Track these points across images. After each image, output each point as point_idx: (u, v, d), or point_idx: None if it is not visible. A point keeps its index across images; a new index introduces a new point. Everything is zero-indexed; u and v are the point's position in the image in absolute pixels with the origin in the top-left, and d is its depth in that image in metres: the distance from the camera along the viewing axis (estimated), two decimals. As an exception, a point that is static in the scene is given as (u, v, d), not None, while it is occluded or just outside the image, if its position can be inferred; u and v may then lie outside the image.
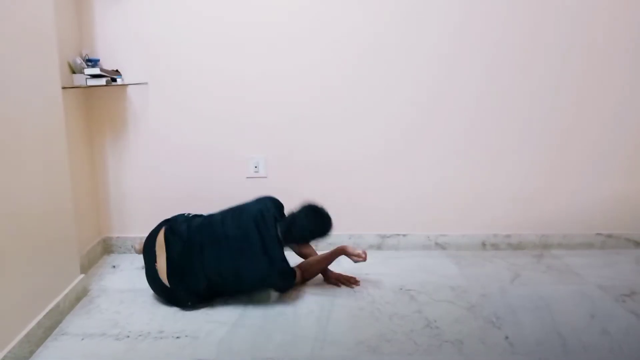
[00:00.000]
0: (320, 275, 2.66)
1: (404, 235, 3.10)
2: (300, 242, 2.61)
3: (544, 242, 3.13)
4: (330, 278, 2.65)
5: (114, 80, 2.66)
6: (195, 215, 2.55)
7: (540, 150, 3.00)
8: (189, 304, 2.34)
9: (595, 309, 2.38)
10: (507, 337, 2.12)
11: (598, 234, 3.14)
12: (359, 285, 2.62)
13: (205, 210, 2.96)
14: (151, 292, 2.50)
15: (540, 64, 2.86)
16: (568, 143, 2.99)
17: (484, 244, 3.13)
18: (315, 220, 2.44)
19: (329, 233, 2.46)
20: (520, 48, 2.84)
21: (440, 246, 3.13)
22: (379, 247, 3.11)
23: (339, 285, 2.62)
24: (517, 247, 3.13)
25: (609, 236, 3.14)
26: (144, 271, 2.74)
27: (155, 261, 2.36)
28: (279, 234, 2.40)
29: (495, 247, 3.13)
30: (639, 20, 2.82)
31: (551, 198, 3.07)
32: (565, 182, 3.05)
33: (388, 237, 3.11)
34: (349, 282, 2.63)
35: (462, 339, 2.10)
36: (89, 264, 2.80)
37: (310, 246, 2.71)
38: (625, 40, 2.84)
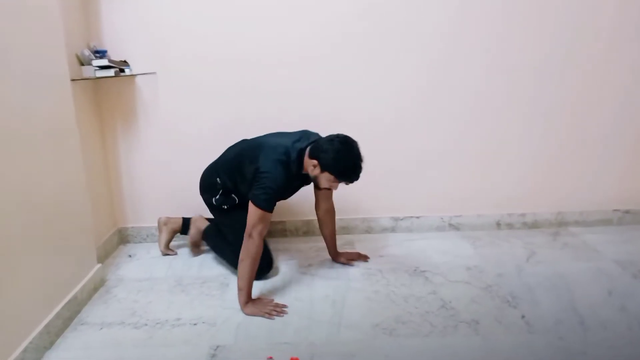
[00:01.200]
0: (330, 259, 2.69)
1: (418, 217, 3.09)
2: (319, 162, 2.19)
3: (559, 220, 3.10)
4: (339, 258, 2.67)
5: (123, 70, 2.66)
6: None
7: (555, 127, 2.95)
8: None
9: (613, 285, 2.36)
10: (523, 316, 2.11)
11: (615, 210, 3.10)
12: (369, 259, 2.66)
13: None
14: (168, 280, 2.52)
15: (553, 36, 2.81)
16: (582, 119, 2.94)
17: (498, 224, 3.10)
18: (339, 146, 2.15)
19: (354, 169, 2.15)
20: (530, 20, 2.78)
21: (455, 227, 3.11)
22: (392, 230, 3.10)
23: (351, 264, 2.63)
24: (533, 225, 3.11)
25: (627, 212, 3.10)
26: (159, 260, 2.78)
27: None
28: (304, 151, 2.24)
29: (510, 226, 3.11)
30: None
31: (566, 175, 3.03)
32: (581, 159, 3.00)
33: (401, 219, 3.09)
34: (360, 258, 2.66)
35: (478, 319, 2.10)
36: (105, 255, 2.83)
37: (332, 210, 2.58)
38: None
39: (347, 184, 2.21)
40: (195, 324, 2.13)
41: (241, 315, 2.18)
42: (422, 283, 2.43)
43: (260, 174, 2.19)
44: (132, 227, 3.06)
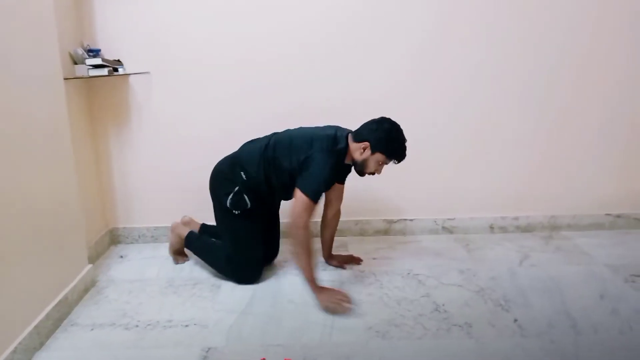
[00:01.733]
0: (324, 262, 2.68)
1: (411, 220, 3.09)
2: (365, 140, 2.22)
3: (552, 224, 3.11)
4: (332, 261, 2.66)
5: (116, 70, 2.64)
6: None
7: (547, 131, 2.96)
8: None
9: (605, 289, 2.37)
10: (516, 320, 2.11)
11: (607, 214, 3.11)
12: (362, 262, 2.67)
13: (209, 200, 2.96)
14: (159, 281, 2.51)
15: (543, 41, 2.82)
16: (575, 123, 2.95)
17: (492, 227, 3.11)
18: (389, 126, 2.23)
19: (404, 147, 2.24)
20: (522, 22, 2.80)
21: (448, 230, 3.11)
22: (385, 233, 3.10)
23: (344, 268, 2.62)
24: (526, 229, 3.12)
25: (618, 216, 3.11)
26: (150, 261, 2.76)
27: None
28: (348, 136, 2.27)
29: (503, 229, 3.11)
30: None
31: (559, 179, 3.04)
32: (573, 163, 3.02)
33: (395, 222, 3.09)
34: (353, 261, 2.66)
35: (471, 322, 2.10)
36: (96, 255, 2.80)
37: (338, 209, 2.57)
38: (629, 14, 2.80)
39: (396, 162, 2.27)
40: (186, 326, 2.11)
41: (233, 317, 2.17)
42: (415, 286, 2.43)
43: (310, 162, 2.18)
44: (124, 228, 3.04)
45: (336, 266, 2.64)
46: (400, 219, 3.09)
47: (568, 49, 2.83)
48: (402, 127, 2.26)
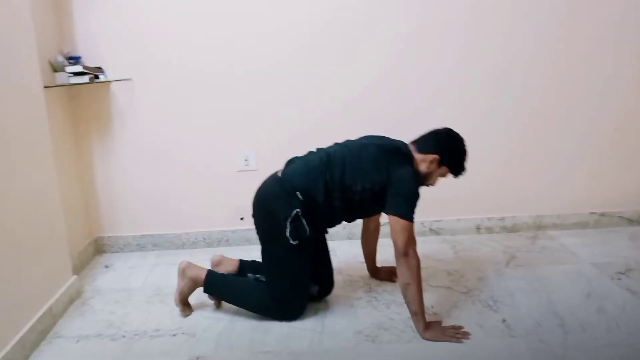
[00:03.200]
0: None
1: (398, 222, 3.09)
2: (431, 151, 2.11)
3: (538, 223, 3.14)
4: (380, 274, 2.53)
5: (97, 77, 2.61)
6: None
7: (532, 132, 2.99)
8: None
9: (592, 287, 2.39)
10: (504, 320, 2.12)
11: (592, 212, 3.14)
12: None
13: (196, 207, 2.95)
14: (146, 291, 2.47)
15: (531, 42, 2.85)
16: (559, 123, 2.98)
17: (478, 228, 3.12)
18: (456, 138, 2.15)
19: (466, 161, 2.16)
20: (501, 26, 2.83)
21: (435, 232, 3.12)
22: (373, 235, 3.09)
23: (394, 280, 2.45)
24: (512, 229, 3.13)
25: (603, 215, 3.15)
26: (136, 270, 2.73)
27: None
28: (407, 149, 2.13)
29: (489, 230, 3.13)
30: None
31: (544, 179, 3.07)
32: (557, 163, 3.04)
33: (382, 225, 3.07)
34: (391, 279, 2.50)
35: (460, 323, 2.09)
36: (81, 265, 2.76)
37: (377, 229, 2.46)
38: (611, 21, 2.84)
39: (456, 176, 2.18)
40: (174, 335, 2.09)
41: (221, 324, 2.15)
42: (403, 288, 2.43)
43: (396, 181, 2.02)
44: (109, 237, 3.00)
45: (384, 279, 2.51)
46: (387, 222, 3.07)
47: (555, 50, 2.87)
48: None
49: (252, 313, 2.20)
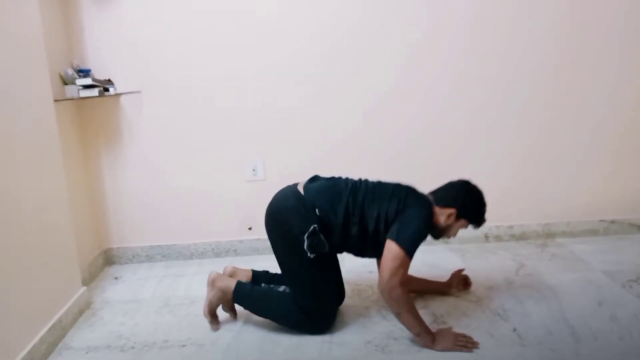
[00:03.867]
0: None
1: (406, 231, 3.08)
2: (447, 205, 2.10)
3: (547, 231, 3.11)
4: (451, 289, 2.43)
5: (107, 90, 2.64)
6: None
7: (539, 139, 2.97)
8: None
9: (603, 295, 2.36)
10: (515, 329, 2.10)
11: (601, 220, 3.11)
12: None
13: (204, 218, 2.95)
14: (155, 302, 2.48)
15: (536, 49, 2.85)
16: (567, 130, 2.97)
17: (486, 236, 3.11)
18: (474, 192, 2.17)
19: (485, 213, 2.16)
20: (505, 34, 2.84)
21: (443, 240, 3.09)
22: (381, 245, 3.08)
23: (467, 289, 2.43)
24: (520, 237, 3.11)
25: (613, 222, 3.12)
26: (145, 281, 2.73)
27: None
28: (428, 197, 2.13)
29: (498, 238, 3.11)
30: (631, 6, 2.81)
31: (553, 186, 3.05)
32: (566, 170, 3.02)
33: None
34: (460, 275, 2.45)
35: (470, 332, 2.08)
36: (90, 277, 2.77)
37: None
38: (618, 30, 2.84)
39: (476, 228, 2.19)
40: (183, 346, 2.09)
41: (230, 335, 2.14)
42: (412, 297, 2.41)
43: (406, 213, 2.00)
44: (118, 248, 3.02)
45: (460, 290, 2.44)
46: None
47: (560, 56, 2.86)
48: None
49: (261, 324, 2.20)
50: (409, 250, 1.94)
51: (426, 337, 1.98)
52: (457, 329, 2.10)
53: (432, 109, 2.91)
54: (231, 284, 2.19)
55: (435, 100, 2.90)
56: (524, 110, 2.93)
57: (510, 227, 3.10)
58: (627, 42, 2.87)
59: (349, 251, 2.18)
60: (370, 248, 2.12)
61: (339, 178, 2.19)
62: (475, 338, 2.03)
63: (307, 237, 1.99)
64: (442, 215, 2.09)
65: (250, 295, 2.20)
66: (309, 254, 2.01)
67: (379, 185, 2.13)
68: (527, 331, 2.08)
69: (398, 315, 1.99)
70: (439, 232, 2.15)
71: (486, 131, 2.95)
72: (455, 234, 2.17)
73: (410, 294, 2.02)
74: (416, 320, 1.98)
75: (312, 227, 1.99)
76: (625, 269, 2.62)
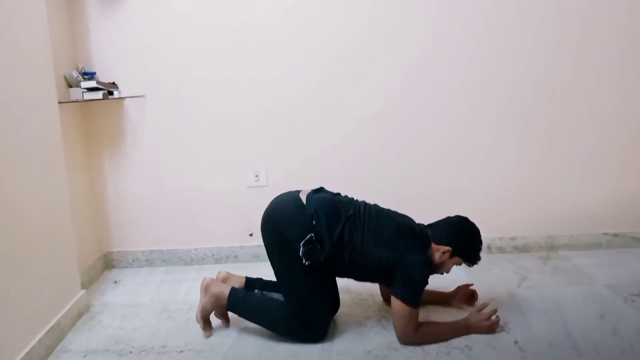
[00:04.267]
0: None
1: (408, 240, 3.06)
2: (441, 242, 2.13)
3: (550, 244, 3.10)
4: (454, 300, 2.42)
5: (111, 93, 2.64)
6: None
7: (543, 150, 2.97)
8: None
9: (605, 309, 2.35)
10: (516, 342, 2.08)
11: (604, 233, 3.10)
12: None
13: (205, 223, 2.94)
14: (154, 307, 2.47)
15: (539, 61, 2.85)
16: (571, 142, 2.96)
17: (489, 248, 3.09)
18: (470, 230, 2.20)
19: (480, 251, 2.18)
20: (505, 45, 2.83)
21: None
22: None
23: (471, 303, 2.40)
24: (523, 249, 3.10)
25: (616, 235, 3.10)
26: (145, 286, 2.72)
27: None
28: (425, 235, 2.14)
29: (500, 250, 3.09)
30: (633, 20, 2.81)
31: (556, 198, 3.03)
32: (569, 182, 3.01)
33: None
34: (467, 289, 2.43)
35: (471, 344, 2.07)
36: (90, 280, 2.76)
37: None
38: (620, 38, 2.84)
39: (470, 266, 2.20)
40: (181, 352, 2.07)
41: (229, 342, 2.13)
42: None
43: (406, 266, 2.03)
44: (118, 252, 3.01)
45: (466, 304, 2.40)
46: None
47: (565, 66, 2.86)
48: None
49: (260, 331, 2.18)
50: (416, 304, 2.02)
51: (459, 333, 2.12)
52: (458, 341, 2.09)
53: (433, 119, 2.90)
54: (225, 290, 2.16)
55: (436, 110, 2.89)
56: (527, 121, 2.92)
57: (513, 238, 3.09)
58: (628, 58, 2.87)
59: (343, 273, 2.20)
60: (364, 275, 2.18)
61: (344, 198, 2.20)
62: (477, 350, 2.03)
63: (303, 245, 1.98)
64: (438, 251, 2.12)
65: (244, 302, 2.17)
66: (304, 261, 1.99)
67: (379, 223, 2.10)
68: (529, 344, 2.06)
69: (429, 343, 2.07)
70: (434, 269, 2.16)
71: (488, 142, 2.94)
72: (449, 271, 2.20)
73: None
74: (446, 334, 2.10)
75: (308, 236, 1.99)
76: (627, 283, 2.61)
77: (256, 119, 2.86)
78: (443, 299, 2.43)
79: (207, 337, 2.17)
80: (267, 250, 2.16)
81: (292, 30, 2.77)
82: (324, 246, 2.02)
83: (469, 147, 2.95)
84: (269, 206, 2.17)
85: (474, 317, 2.15)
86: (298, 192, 2.17)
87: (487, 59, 2.84)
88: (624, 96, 2.91)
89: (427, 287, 2.10)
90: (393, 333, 2.16)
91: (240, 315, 2.19)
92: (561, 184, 3.02)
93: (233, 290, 2.17)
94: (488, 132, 2.93)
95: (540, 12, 2.78)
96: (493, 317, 2.13)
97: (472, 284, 2.44)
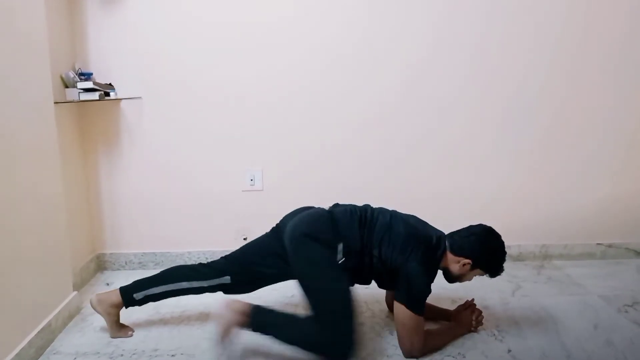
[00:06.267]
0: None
1: (403, 247, 3.06)
2: (463, 254, 2.06)
3: (544, 253, 3.10)
4: (456, 319, 2.30)
5: (107, 94, 2.63)
6: None
7: (536, 160, 2.98)
8: None
9: (599, 319, 2.35)
10: (509, 350, 2.08)
11: (598, 243, 3.11)
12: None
13: (199, 226, 2.93)
14: (146, 309, 2.44)
15: (538, 71, 2.86)
16: (564, 153, 2.98)
17: (483, 256, 3.09)
18: (495, 243, 2.11)
19: (504, 263, 2.09)
20: (505, 51, 2.85)
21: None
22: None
23: (480, 320, 2.28)
24: (517, 258, 3.10)
25: (610, 246, 3.11)
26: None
27: None
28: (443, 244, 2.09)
29: (494, 258, 3.09)
30: (631, 23, 2.84)
31: (550, 208, 3.05)
32: (564, 192, 3.03)
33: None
34: (471, 306, 2.32)
35: (465, 352, 2.06)
36: (82, 282, 2.74)
37: None
38: (617, 42, 2.86)
39: (492, 277, 2.11)
40: (173, 355, 2.06)
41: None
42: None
43: (409, 275, 1.97)
44: (111, 254, 2.99)
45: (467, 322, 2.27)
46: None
47: (562, 75, 2.89)
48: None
49: (249, 340, 2.12)
50: (421, 311, 1.98)
51: (455, 336, 2.18)
52: (452, 349, 2.09)
53: (431, 125, 2.91)
54: (246, 306, 1.95)
55: (434, 116, 2.90)
56: (523, 131, 2.94)
57: (507, 247, 3.06)
58: (625, 65, 2.89)
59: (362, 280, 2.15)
60: (368, 277, 2.14)
61: (361, 206, 2.20)
62: (470, 358, 2.02)
63: (340, 246, 2.00)
64: (456, 263, 2.06)
65: (273, 318, 1.98)
66: (341, 257, 1.99)
67: (393, 227, 2.07)
68: (522, 353, 2.06)
69: (430, 353, 2.06)
70: (453, 279, 2.12)
71: (484, 152, 2.95)
72: (471, 279, 2.14)
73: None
74: (446, 340, 2.14)
75: (341, 243, 2.00)
76: (621, 294, 2.62)
77: (252, 123, 2.86)
78: (443, 316, 2.36)
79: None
80: (296, 266, 2.03)
81: (290, 33, 2.78)
82: (352, 251, 2.01)
83: (465, 155, 2.96)
84: (294, 223, 2.10)
85: (465, 317, 2.23)
86: (319, 207, 2.20)
87: (485, 65, 2.85)
88: (620, 108, 2.93)
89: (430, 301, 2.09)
90: (387, 340, 2.16)
91: (266, 332, 1.96)
92: (556, 194, 3.03)
93: (256, 306, 1.97)
94: (484, 140, 2.94)
95: (539, 18, 2.80)
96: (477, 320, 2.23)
97: (472, 299, 2.35)
